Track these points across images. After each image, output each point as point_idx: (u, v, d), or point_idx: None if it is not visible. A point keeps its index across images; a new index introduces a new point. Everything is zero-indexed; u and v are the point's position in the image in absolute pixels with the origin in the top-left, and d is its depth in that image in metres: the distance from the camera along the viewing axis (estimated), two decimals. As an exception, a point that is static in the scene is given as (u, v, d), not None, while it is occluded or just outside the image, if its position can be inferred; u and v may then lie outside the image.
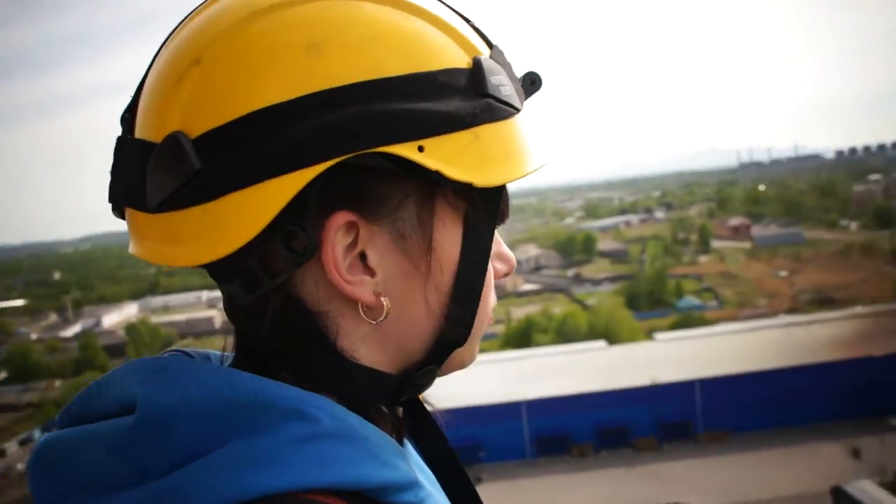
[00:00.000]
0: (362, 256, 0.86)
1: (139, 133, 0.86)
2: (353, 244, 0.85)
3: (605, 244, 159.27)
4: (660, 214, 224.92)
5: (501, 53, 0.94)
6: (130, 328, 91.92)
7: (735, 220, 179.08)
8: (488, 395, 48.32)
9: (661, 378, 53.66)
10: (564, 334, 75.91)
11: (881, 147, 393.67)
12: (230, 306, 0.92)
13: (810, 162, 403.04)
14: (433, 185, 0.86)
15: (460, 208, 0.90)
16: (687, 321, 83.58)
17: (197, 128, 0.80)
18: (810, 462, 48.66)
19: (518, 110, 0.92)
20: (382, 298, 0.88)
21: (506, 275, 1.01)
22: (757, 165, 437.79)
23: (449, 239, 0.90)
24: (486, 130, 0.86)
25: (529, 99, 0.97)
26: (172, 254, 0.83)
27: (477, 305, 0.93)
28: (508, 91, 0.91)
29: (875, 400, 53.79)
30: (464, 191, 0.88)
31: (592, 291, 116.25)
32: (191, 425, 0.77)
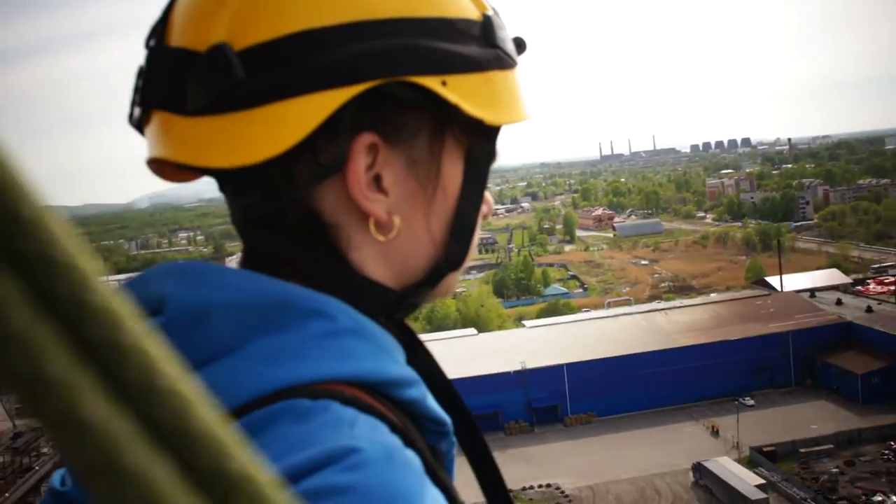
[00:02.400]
0: (377, 178, 0.92)
1: (178, 42, 0.91)
2: (372, 165, 0.91)
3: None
4: (526, 204, 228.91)
5: (498, 15, 1.01)
6: None
7: (598, 211, 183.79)
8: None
9: (530, 364, 54.86)
10: (434, 322, 76.63)
11: (732, 143, 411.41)
12: (242, 218, 0.98)
13: (668, 155, 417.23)
14: (444, 119, 0.95)
15: (464, 144, 0.98)
16: (554, 308, 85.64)
17: (242, 41, 0.85)
18: (672, 441, 50.67)
19: (517, 64, 1.02)
20: (394, 217, 0.94)
21: (485, 216, 1.07)
22: (618, 158, 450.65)
23: (453, 171, 0.98)
24: (496, 76, 0.96)
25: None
26: (205, 154, 0.89)
27: (472, 234, 1.02)
28: (511, 46, 1.00)
29: (731, 381, 56.48)
30: (469, 128, 0.96)
31: (461, 280, 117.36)
32: (218, 324, 0.83)
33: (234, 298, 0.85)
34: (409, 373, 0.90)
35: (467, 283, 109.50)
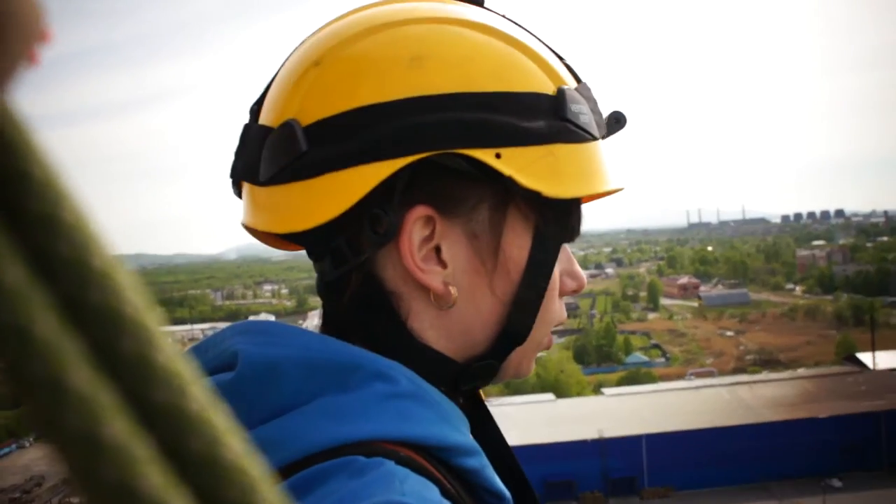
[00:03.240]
0: (437, 249, 0.95)
1: (262, 120, 0.99)
2: (430, 237, 0.94)
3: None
4: (610, 270, 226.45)
5: (588, 89, 1.03)
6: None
7: (683, 279, 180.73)
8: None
9: (608, 432, 53.63)
10: (513, 385, 75.60)
11: (825, 214, 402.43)
12: (320, 283, 1.02)
13: (757, 225, 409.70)
14: (507, 193, 0.95)
15: (531, 219, 0.98)
16: (635, 377, 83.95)
17: (309, 117, 0.92)
18: (754, 521, 48.72)
19: (595, 138, 1.00)
20: (451, 288, 0.95)
21: (574, 291, 1.07)
22: (706, 226, 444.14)
23: (517, 244, 0.98)
24: (561, 149, 0.95)
25: (615, 135, 1.08)
26: (270, 221, 0.96)
27: (538, 309, 1.01)
28: (587, 119, 0.99)
29: (817, 461, 54.22)
30: (536, 203, 0.96)
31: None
32: (287, 381, 0.87)
33: (304, 357, 0.88)
34: (469, 442, 0.91)
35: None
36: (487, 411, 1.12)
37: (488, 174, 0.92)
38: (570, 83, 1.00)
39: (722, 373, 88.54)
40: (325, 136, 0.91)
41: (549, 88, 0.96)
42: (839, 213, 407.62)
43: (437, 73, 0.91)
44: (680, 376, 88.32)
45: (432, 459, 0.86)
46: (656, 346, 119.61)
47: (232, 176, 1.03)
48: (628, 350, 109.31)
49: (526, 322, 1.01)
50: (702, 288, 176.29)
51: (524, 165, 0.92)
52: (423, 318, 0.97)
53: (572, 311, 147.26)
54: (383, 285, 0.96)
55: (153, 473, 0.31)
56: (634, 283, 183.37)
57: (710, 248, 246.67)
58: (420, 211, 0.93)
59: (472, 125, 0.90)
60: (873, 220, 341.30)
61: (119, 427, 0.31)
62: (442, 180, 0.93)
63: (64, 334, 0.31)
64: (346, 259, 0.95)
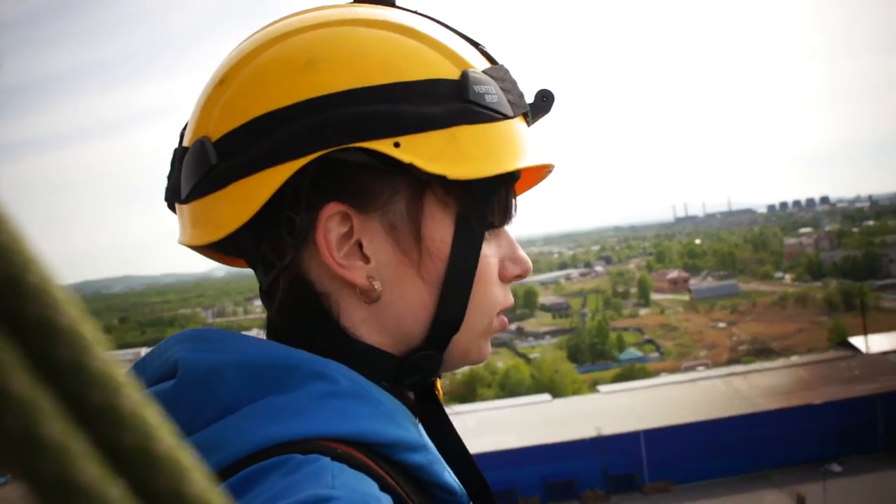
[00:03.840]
0: (360, 245, 0.96)
1: (185, 143, 1.02)
2: (350, 233, 0.95)
3: (546, 298, 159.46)
4: (599, 268, 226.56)
5: (503, 70, 1.03)
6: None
7: (673, 274, 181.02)
8: (435, 450, 47.53)
9: (606, 430, 53.63)
10: (508, 388, 75.65)
11: (810, 202, 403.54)
12: (260, 291, 1.05)
13: (744, 216, 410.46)
14: (423, 182, 0.95)
15: (451, 204, 0.97)
16: (629, 373, 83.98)
17: (218, 132, 0.95)
18: (756, 510, 48.76)
19: (505, 116, 0.99)
20: (374, 282, 0.96)
21: (518, 276, 1.06)
22: (692, 220, 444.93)
23: (438, 231, 0.97)
24: (464, 131, 0.94)
25: (546, 115, 1.08)
26: (193, 235, 0.99)
27: (468, 294, 1.00)
28: (494, 99, 0.98)
29: (815, 447, 54.36)
30: (452, 187, 0.96)
31: (535, 345, 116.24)
32: (227, 385, 0.87)
33: (243, 361, 0.89)
34: (412, 437, 0.90)
35: (542, 349, 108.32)
36: (443, 410, 1.10)
37: (394, 165, 0.92)
38: (480, 66, 1.00)
39: (716, 364, 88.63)
40: (232, 147, 0.93)
41: (453, 73, 0.97)
42: (824, 199, 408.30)
43: (331, 72, 0.93)
44: (674, 370, 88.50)
45: (374, 456, 0.86)
46: (650, 342, 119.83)
47: (166, 199, 1.06)
48: (622, 347, 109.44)
49: (457, 309, 1.00)
50: (691, 281, 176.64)
51: (425, 150, 0.92)
52: (354, 315, 0.97)
53: (564, 310, 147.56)
54: (311, 286, 0.97)
55: (90, 467, 0.33)
56: (624, 279, 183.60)
57: (697, 242, 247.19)
58: (332, 208, 0.93)
59: (368, 118, 0.91)
60: (858, 205, 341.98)
61: (57, 426, 0.32)
62: (350, 176, 0.94)
63: (3, 346, 0.32)
64: (273, 265, 0.98)
